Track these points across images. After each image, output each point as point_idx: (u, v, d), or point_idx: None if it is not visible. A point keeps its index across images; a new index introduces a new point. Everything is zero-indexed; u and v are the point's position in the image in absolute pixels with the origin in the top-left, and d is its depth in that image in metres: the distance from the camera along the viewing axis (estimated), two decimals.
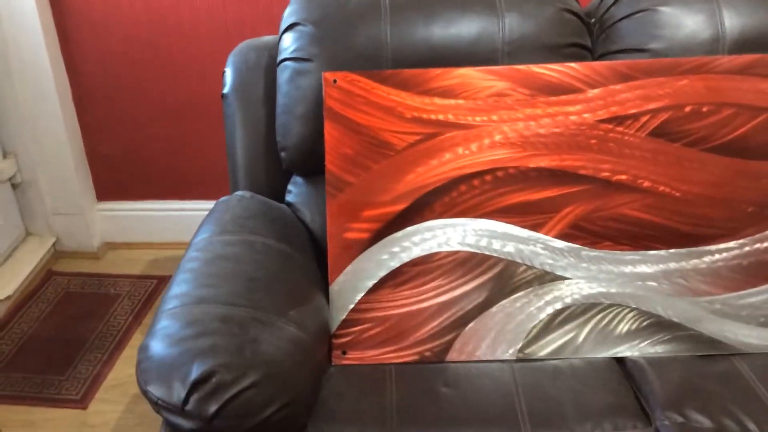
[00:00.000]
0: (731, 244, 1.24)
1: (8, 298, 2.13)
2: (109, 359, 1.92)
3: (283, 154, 1.36)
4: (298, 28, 1.31)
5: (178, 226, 2.41)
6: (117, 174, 2.38)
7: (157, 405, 0.97)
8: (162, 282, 2.24)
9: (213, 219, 1.28)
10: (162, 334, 1.02)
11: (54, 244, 2.40)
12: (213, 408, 0.94)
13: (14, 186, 2.31)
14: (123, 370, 1.88)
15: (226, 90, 1.42)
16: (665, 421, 1.07)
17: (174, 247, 2.43)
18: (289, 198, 1.39)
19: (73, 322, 2.06)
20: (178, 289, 1.11)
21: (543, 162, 1.25)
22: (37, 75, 2.11)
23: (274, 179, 1.40)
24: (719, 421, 1.07)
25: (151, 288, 2.23)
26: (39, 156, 2.26)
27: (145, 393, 0.98)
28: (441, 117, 1.26)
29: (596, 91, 1.26)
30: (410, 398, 1.13)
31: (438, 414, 1.10)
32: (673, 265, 1.24)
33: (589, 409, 1.10)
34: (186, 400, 0.95)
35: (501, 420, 1.09)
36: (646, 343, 1.21)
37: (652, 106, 1.24)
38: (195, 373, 0.95)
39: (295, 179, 1.40)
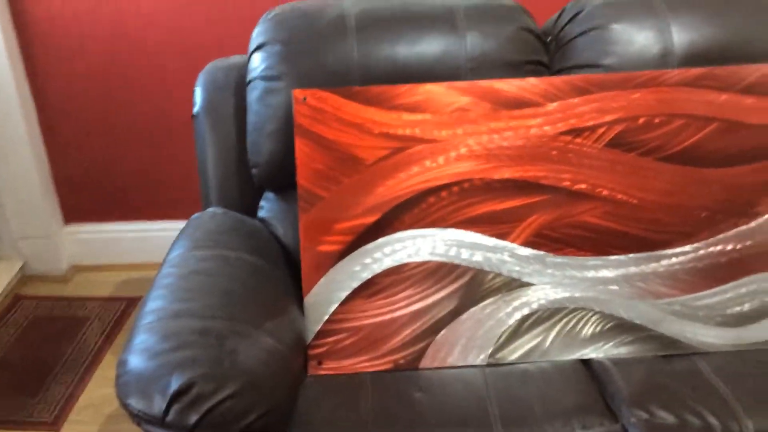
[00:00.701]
0: (687, 248, 1.30)
1: None
2: (81, 381, 1.91)
3: (254, 170, 1.39)
4: (267, 47, 1.35)
5: (148, 247, 2.41)
6: (85, 196, 2.37)
7: (138, 417, 0.99)
8: (132, 303, 2.24)
9: (186, 235, 1.30)
10: (140, 348, 1.04)
11: (22, 268, 2.38)
12: (193, 418, 0.96)
13: None
14: (96, 390, 1.88)
15: (196, 109, 1.44)
16: (632, 418, 1.12)
17: (144, 268, 2.43)
18: (261, 213, 1.42)
19: (43, 345, 2.05)
20: (154, 304, 1.13)
21: (507, 173, 1.30)
22: (2, 98, 2.11)
23: (245, 196, 1.43)
24: (682, 417, 1.12)
25: (121, 309, 2.23)
26: (5, 179, 2.25)
27: (125, 406, 1.00)
28: (408, 132, 1.30)
29: (555, 104, 1.31)
30: (385, 405, 1.16)
31: (413, 419, 1.13)
32: (632, 269, 1.29)
33: (558, 409, 1.15)
34: (166, 412, 0.97)
35: (474, 422, 1.12)
36: (609, 344, 1.26)
37: (608, 118, 1.31)
38: (175, 384, 0.97)
39: (266, 195, 1.43)
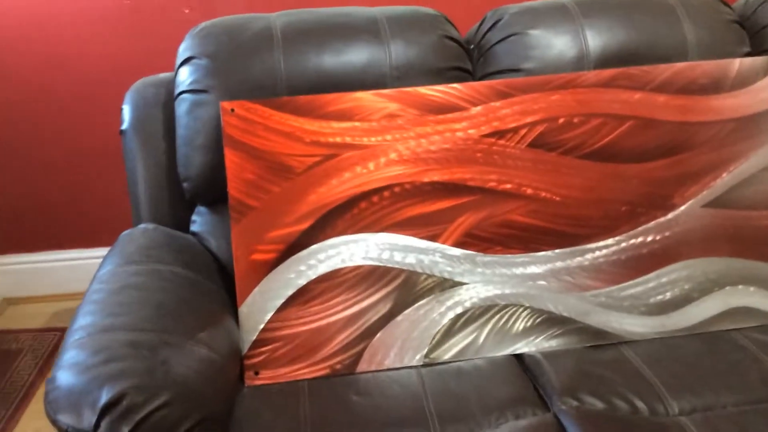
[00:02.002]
0: (609, 241, 1.35)
1: None
2: (13, 415, 1.85)
3: (185, 184, 1.39)
4: (194, 61, 1.36)
5: (82, 276, 2.35)
6: (14, 225, 2.32)
7: None
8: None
9: (117, 251, 1.29)
10: (69, 364, 1.02)
11: None
12: (125, 431, 0.95)
13: None
14: (28, 424, 1.82)
15: (124, 126, 1.44)
16: (562, 406, 1.15)
17: (77, 297, 2.37)
18: (194, 228, 1.42)
19: None
20: (83, 320, 1.11)
21: (435, 176, 1.33)
22: None
23: (177, 210, 1.43)
24: (611, 402, 1.16)
25: (54, 341, 2.18)
26: None
27: (54, 422, 0.97)
28: (338, 139, 1.32)
29: (478, 108, 1.35)
30: (323, 410, 1.17)
31: (351, 421, 1.14)
32: (559, 264, 1.34)
33: (492, 402, 1.17)
34: (97, 425, 0.95)
35: (411, 421, 1.13)
36: (540, 338, 1.30)
37: (529, 119, 1.35)
38: (105, 397, 0.96)
39: (198, 209, 1.43)
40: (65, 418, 0.96)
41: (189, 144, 1.35)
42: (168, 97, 1.43)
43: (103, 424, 0.95)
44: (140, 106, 1.43)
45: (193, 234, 1.41)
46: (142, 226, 1.38)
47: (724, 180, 1.38)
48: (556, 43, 1.41)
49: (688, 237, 1.36)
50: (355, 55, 1.36)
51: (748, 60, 1.41)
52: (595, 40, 1.41)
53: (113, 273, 1.22)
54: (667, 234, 1.36)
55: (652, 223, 1.36)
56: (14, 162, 2.20)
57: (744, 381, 1.19)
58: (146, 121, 1.42)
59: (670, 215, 1.36)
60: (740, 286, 1.35)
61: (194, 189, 1.38)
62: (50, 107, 2.13)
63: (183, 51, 1.38)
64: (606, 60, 1.41)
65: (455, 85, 1.35)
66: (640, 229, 1.36)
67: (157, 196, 1.42)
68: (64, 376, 1.01)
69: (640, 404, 1.16)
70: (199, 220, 1.41)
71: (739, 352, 1.26)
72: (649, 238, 1.35)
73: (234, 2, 2.04)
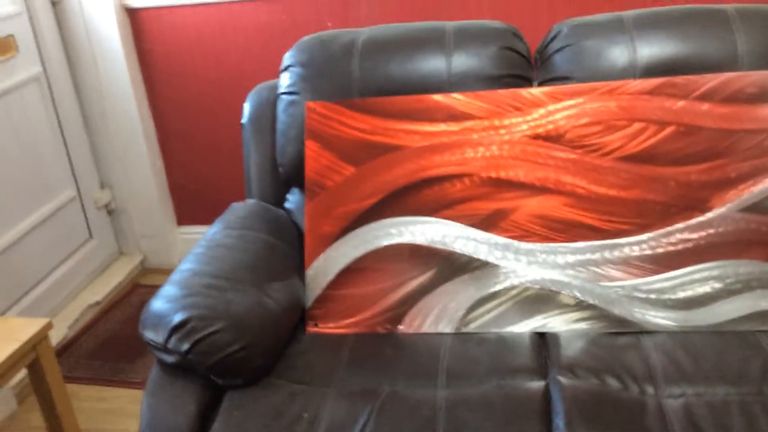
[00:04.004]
0: (641, 236, 1.44)
1: (98, 303, 2.57)
2: None
3: (281, 169, 1.69)
4: (291, 68, 1.66)
5: None
6: (194, 202, 2.80)
7: (150, 345, 1.31)
8: None
9: (223, 218, 1.63)
10: (161, 296, 1.36)
11: (141, 262, 2.84)
12: (186, 346, 1.27)
13: (110, 212, 2.79)
14: None
15: (244, 120, 1.78)
16: (557, 377, 1.29)
17: None
18: (287, 205, 1.72)
19: None
20: (183, 266, 1.46)
21: (492, 172, 1.51)
22: (127, 120, 2.58)
23: (277, 190, 1.74)
24: (603, 380, 1.27)
25: None
26: (129, 187, 2.72)
27: (142, 336, 1.32)
28: (401, 134, 1.55)
29: (536, 111, 1.51)
30: (358, 357, 1.41)
31: (376, 367, 1.37)
32: (591, 255, 1.46)
33: (501, 367, 1.34)
34: (167, 340, 1.28)
35: (424, 374, 1.34)
36: (565, 320, 1.43)
37: (574, 122, 1.49)
38: (175, 320, 1.28)
39: (292, 190, 1.73)
40: (148, 334, 1.30)
41: (284, 136, 1.66)
42: (276, 97, 1.74)
43: (172, 339, 1.28)
44: (256, 105, 1.76)
45: (285, 210, 1.71)
46: (246, 201, 1.71)
47: (765, 186, 1.41)
48: (606, 54, 1.52)
49: (721, 239, 1.41)
50: (419, 64, 1.58)
51: None
52: (643, 50, 1.50)
53: (214, 234, 1.56)
54: (700, 234, 1.42)
55: (685, 223, 1.43)
56: (196, 150, 2.67)
57: (742, 375, 1.25)
58: (259, 117, 1.75)
59: (704, 217, 1.42)
60: None
61: (288, 173, 1.68)
62: (224, 105, 2.56)
63: (285, 60, 1.69)
64: (654, 69, 1.50)
65: (501, 90, 1.52)
66: (672, 228, 1.43)
67: (263, 177, 1.75)
68: (155, 303, 1.35)
69: (632, 385, 1.26)
70: (291, 199, 1.71)
71: (753, 351, 1.31)
72: (682, 237, 1.43)
73: (365, 16, 2.33)
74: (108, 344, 2.36)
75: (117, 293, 2.67)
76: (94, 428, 1.99)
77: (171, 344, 1.28)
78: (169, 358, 1.30)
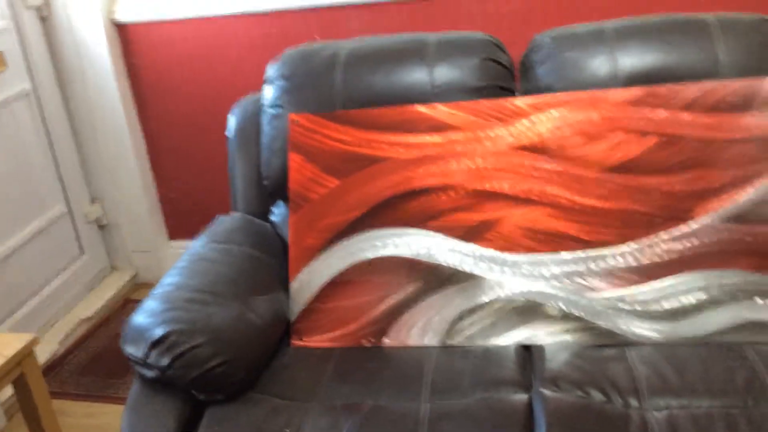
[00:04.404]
0: (624, 248, 1.44)
1: (89, 318, 2.56)
2: None
3: (266, 182, 1.69)
4: (275, 81, 1.66)
5: None
6: (185, 216, 2.80)
7: (130, 360, 1.30)
8: None
9: (207, 232, 1.63)
10: (142, 310, 1.36)
11: (133, 277, 2.83)
12: (166, 361, 1.26)
13: (101, 227, 2.78)
14: None
15: (229, 133, 1.78)
16: (540, 389, 1.28)
17: None
18: (272, 217, 1.72)
19: None
20: (165, 280, 1.45)
21: (476, 184, 1.51)
22: (117, 135, 2.58)
23: (262, 203, 1.73)
24: (587, 392, 1.27)
25: None
26: (120, 202, 2.72)
27: (123, 350, 1.31)
28: (384, 146, 1.55)
29: (516, 122, 1.51)
30: (343, 371, 1.40)
31: (362, 380, 1.36)
32: (574, 266, 1.45)
33: (484, 380, 1.33)
34: (147, 355, 1.27)
35: (408, 388, 1.33)
36: (549, 332, 1.42)
37: (558, 133, 1.48)
38: (155, 335, 1.27)
39: (278, 203, 1.72)
40: (128, 348, 1.30)
41: (269, 148, 1.66)
42: (261, 110, 1.74)
43: (152, 354, 1.27)
44: (241, 118, 1.76)
45: (271, 222, 1.71)
46: (232, 213, 1.70)
47: (748, 195, 1.40)
48: (588, 64, 1.52)
49: (706, 249, 1.41)
50: (402, 76, 1.58)
51: None
52: (625, 60, 1.50)
53: (197, 248, 1.56)
54: (684, 244, 1.42)
55: (669, 234, 1.42)
56: (185, 163, 2.67)
57: (727, 388, 1.24)
58: (244, 130, 1.75)
59: (688, 227, 1.42)
60: (757, 300, 1.37)
61: (273, 186, 1.68)
62: (213, 119, 2.56)
63: (269, 72, 1.69)
64: (635, 79, 1.50)
65: (499, 100, 1.51)
66: (656, 238, 1.43)
67: (249, 190, 1.74)
68: (137, 318, 1.34)
69: (616, 398, 1.25)
70: (277, 212, 1.71)
71: (738, 362, 1.30)
72: (666, 247, 1.42)
73: (352, 28, 2.33)
74: (98, 360, 2.35)
75: (108, 308, 2.66)
76: None
77: (151, 359, 1.27)
78: (150, 373, 1.29)
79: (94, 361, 2.34)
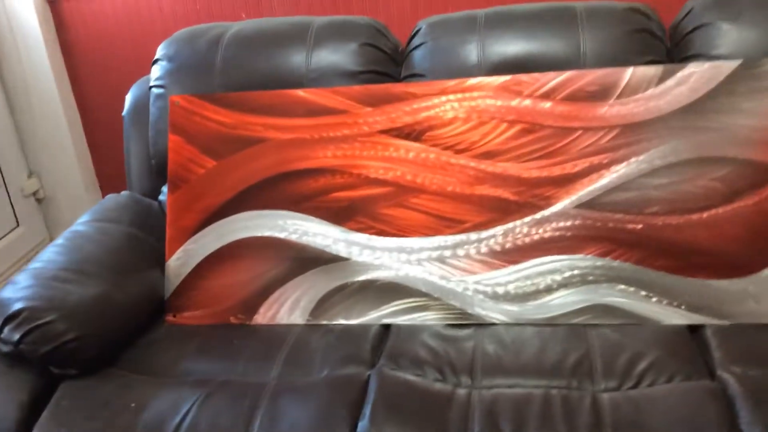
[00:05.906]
0: (482, 234, 1.47)
1: None
2: None
3: (153, 161, 1.72)
4: (160, 62, 1.69)
5: None
6: (121, 190, 2.83)
7: None
8: None
9: (92, 210, 1.66)
10: (11, 284, 1.40)
11: None
12: (17, 336, 1.30)
13: (38, 200, 2.82)
14: None
15: (124, 112, 1.80)
16: (380, 367, 1.32)
17: None
18: (161, 197, 1.75)
19: None
20: (42, 255, 1.49)
21: (339, 163, 1.54)
22: (52, 109, 2.61)
23: (154, 183, 1.77)
24: (424, 371, 1.31)
25: None
26: (57, 175, 2.75)
27: None
28: (260, 129, 1.58)
29: (394, 108, 1.53)
30: (206, 347, 1.45)
31: (220, 357, 1.40)
32: (437, 251, 1.48)
33: (334, 358, 1.37)
34: (1, 329, 1.31)
35: (261, 363, 1.37)
36: (410, 313, 1.46)
37: (421, 118, 1.51)
38: (10, 310, 1.32)
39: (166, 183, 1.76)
40: None
41: (154, 129, 1.69)
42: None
43: (5, 329, 1.31)
44: (136, 97, 1.79)
45: (159, 202, 1.74)
46: (121, 192, 1.74)
47: (601, 183, 1.43)
48: (458, 52, 1.54)
49: (561, 234, 1.44)
50: (281, 59, 1.60)
51: (642, 68, 1.44)
52: (492, 48, 1.52)
53: (78, 225, 1.60)
54: (541, 230, 1.45)
55: (528, 219, 1.46)
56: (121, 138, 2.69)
57: (556, 368, 1.28)
58: (138, 109, 1.78)
59: (545, 213, 1.45)
60: (605, 285, 1.41)
61: (159, 165, 1.71)
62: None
63: (157, 52, 1.71)
64: (501, 67, 1.52)
65: (356, 87, 1.54)
66: (515, 224, 1.46)
67: (141, 170, 1.78)
68: (3, 292, 1.38)
69: (450, 377, 1.30)
70: (164, 191, 1.74)
71: (576, 344, 1.33)
72: (524, 232, 1.46)
73: (279, 7, 2.34)
74: None
75: None
76: None
77: (4, 334, 1.31)
78: (4, 348, 1.33)
79: None
